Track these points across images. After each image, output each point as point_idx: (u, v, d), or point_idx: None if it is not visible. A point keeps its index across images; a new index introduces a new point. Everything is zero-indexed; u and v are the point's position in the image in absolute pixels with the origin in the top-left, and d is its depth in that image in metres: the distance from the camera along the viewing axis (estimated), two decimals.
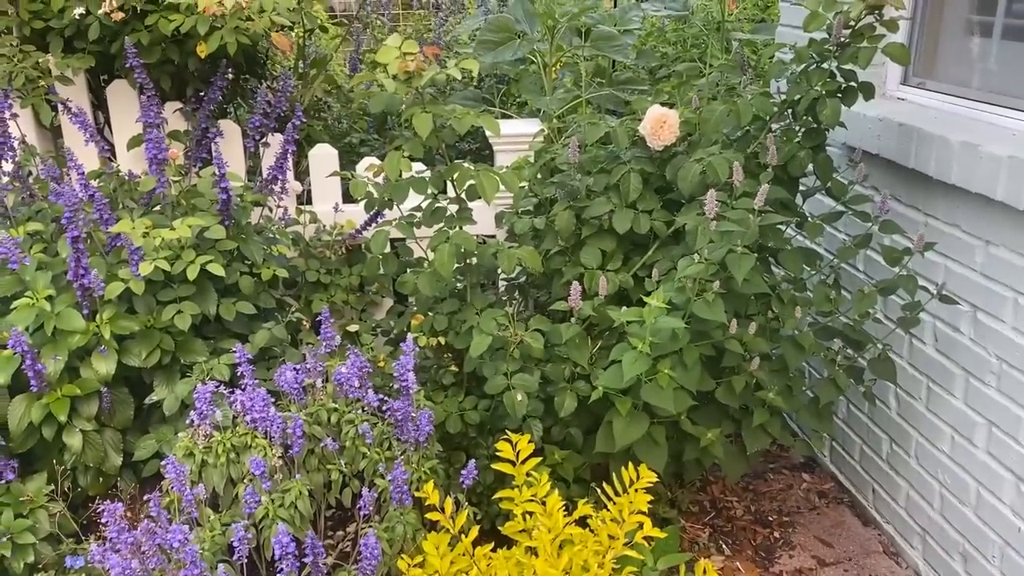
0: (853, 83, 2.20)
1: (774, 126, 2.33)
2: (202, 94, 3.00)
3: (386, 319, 2.78)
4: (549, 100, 3.35)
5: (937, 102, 2.38)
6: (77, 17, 2.67)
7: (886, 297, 2.32)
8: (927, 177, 2.20)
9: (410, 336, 2.14)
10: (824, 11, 2.17)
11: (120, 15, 2.61)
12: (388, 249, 2.54)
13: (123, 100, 3.00)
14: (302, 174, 3.25)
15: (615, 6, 4.28)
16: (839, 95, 2.20)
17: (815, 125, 2.27)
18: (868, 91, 2.21)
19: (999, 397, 2.07)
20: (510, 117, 3.67)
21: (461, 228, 2.32)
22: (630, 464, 1.94)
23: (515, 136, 3.02)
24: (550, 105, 3.31)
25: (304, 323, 2.67)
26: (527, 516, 1.88)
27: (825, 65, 2.20)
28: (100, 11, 2.62)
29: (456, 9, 5.39)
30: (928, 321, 2.30)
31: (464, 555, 1.79)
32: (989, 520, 2.13)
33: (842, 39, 2.15)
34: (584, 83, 3.30)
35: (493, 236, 2.96)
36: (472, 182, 2.24)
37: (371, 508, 1.96)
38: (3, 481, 2.20)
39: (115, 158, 3.01)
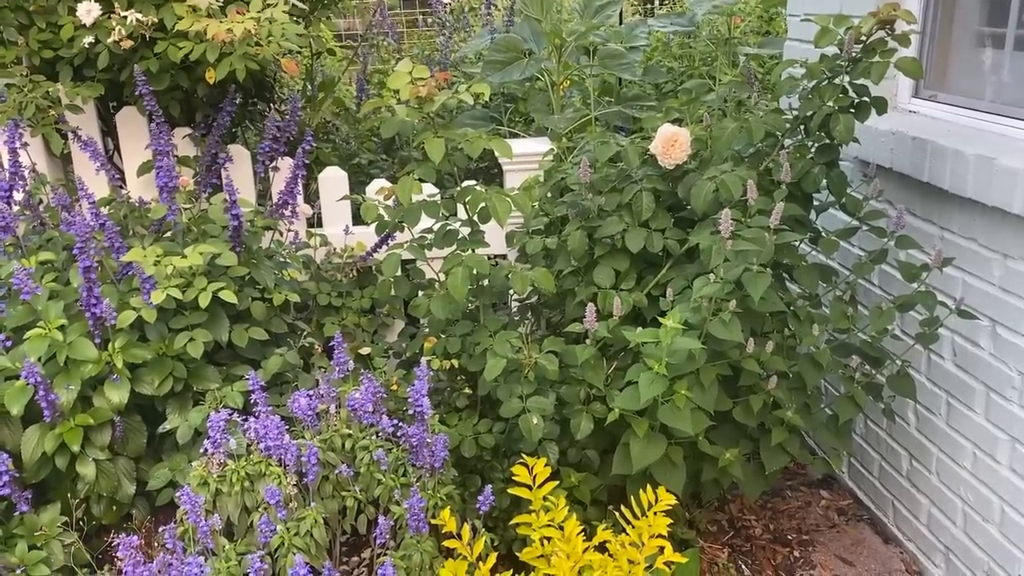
0: (866, 98, 2.19)
1: (787, 142, 2.32)
2: (211, 119, 3.00)
3: (398, 341, 2.77)
4: (558, 119, 3.34)
5: (950, 115, 2.37)
6: (86, 46, 2.67)
7: (904, 313, 2.30)
8: (942, 191, 2.19)
9: (423, 360, 2.13)
10: (835, 26, 2.17)
11: (129, 43, 2.62)
12: (399, 271, 2.53)
13: (132, 126, 3.01)
14: (312, 196, 3.24)
15: (620, 23, 4.27)
16: (852, 110, 2.18)
17: (828, 141, 2.25)
18: (881, 106, 2.20)
19: (1021, 413, 2.04)
20: (519, 136, 3.66)
21: (473, 251, 2.31)
22: (648, 486, 1.92)
23: (525, 155, 3.00)
24: (558, 124, 3.30)
25: (316, 347, 2.65)
26: (545, 541, 1.86)
27: (837, 81, 2.19)
28: (109, 40, 2.62)
29: (461, 27, 5.39)
30: (946, 336, 2.27)
31: None
32: (1014, 538, 2.10)
33: (854, 54, 2.14)
34: (592, 101, 3.29)
35: (504, 256, 2.95)
36: (484, 204, 2.23)
37: (387, 535, 1.94)
38: (17, 512, 2.19)
39: (125, 184, 3.02)
